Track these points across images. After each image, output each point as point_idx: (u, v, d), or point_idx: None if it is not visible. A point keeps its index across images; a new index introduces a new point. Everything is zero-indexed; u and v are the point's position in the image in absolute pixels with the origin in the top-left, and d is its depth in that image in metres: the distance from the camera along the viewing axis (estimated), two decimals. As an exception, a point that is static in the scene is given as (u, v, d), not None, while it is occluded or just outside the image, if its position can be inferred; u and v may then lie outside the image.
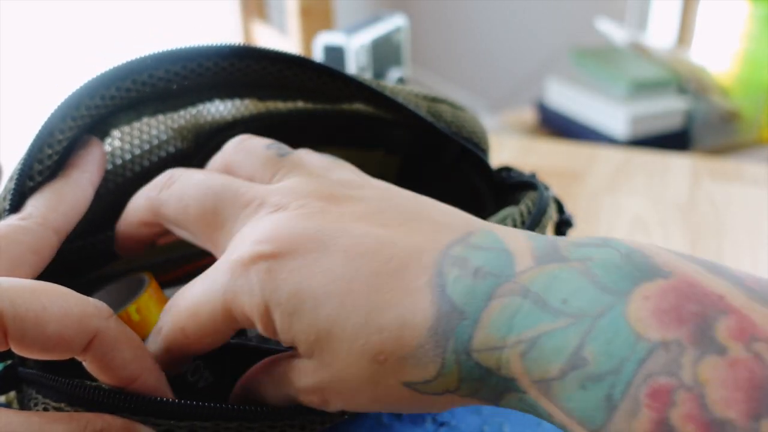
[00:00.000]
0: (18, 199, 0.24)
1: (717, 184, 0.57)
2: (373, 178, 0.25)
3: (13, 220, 0.23)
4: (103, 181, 0.28)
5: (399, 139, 0.34)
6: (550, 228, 0.30)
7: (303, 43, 1.09)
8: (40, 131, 0.24)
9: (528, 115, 1.35)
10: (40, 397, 0.21)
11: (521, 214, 0.27)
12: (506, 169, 0.31)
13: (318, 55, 0.58)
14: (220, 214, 0.23)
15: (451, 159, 0.33)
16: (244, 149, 0.25)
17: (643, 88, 1.11)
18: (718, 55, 1.27)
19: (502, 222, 0.27)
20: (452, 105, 0.31)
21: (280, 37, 1.22)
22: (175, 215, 0.24)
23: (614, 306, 0.16)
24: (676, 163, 0.61)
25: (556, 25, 1.85)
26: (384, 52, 0.61)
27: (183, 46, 0.26)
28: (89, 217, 0.26)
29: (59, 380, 0.21)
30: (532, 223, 0.27)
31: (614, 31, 1.33)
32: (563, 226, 0.31)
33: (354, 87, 0.28)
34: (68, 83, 0.25)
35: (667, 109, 1.12)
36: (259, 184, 0.23)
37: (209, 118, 0.31)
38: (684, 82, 1.15)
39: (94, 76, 0.25)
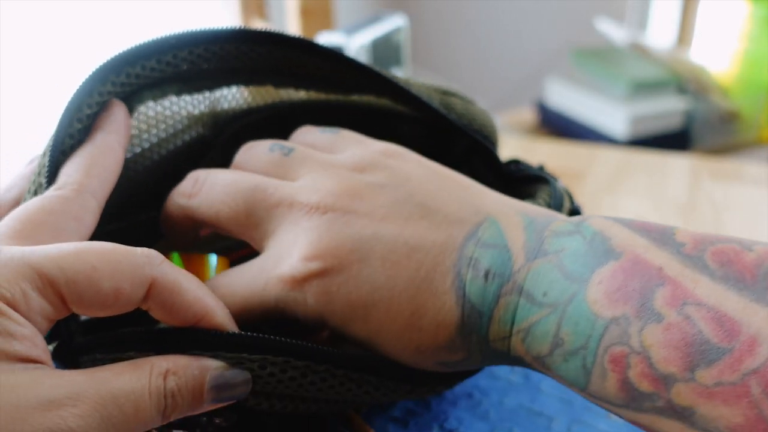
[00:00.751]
0: (54, 173, 0.24)
1: (717, 184, 0.57)
2: (374, 142, 0.27)
3: (49, 191, 0.24)
4: (132, 164, 0.29)
5: (410, 134, 0.34)
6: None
7: (303, 42, 1.08)
8: (69, 105, 0.25)
9: (528, 115, 1.35)
10: (110, 357, 0.21)
11: None
12: (515, 162, 0.32)
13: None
14: (252, 216, 0.25)
15: (462, 152, 0.33)
16: (252, 155, 0.27)
17: (642, 88, 1.11)
18: (718, 55, 1.27)
19: None
20: (462, 98, 0.31)
21: (280, 36, 1.22)
22: (208, 221, 0.26)
23: (578, 293, 0.20)
24: (676, 163, 0.61)
25: (556, 25, 1.85)
26: (384, 52, 0.61)
27: (205, 28, 0.27)
28: (116, 201, 0.26)
29: (121, 332, 0.21)
30: None
31: (614, 31, 1.33)
32: (573, 215, 0.32)
33: (371, 77, 0.29)
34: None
35: (667, 109, 1.12)
36: (283, 182, 0.25)
37: (226, 105, 0.32)
38: (684, 82, 1.15)
39: (119, 53, 0.26)
